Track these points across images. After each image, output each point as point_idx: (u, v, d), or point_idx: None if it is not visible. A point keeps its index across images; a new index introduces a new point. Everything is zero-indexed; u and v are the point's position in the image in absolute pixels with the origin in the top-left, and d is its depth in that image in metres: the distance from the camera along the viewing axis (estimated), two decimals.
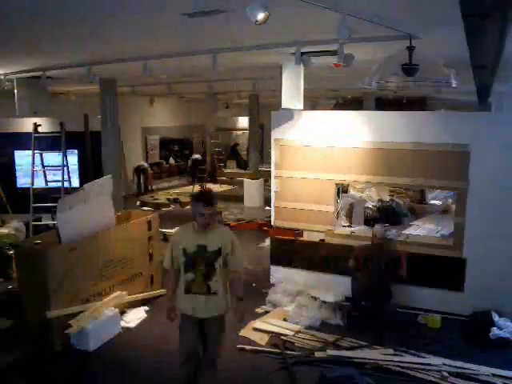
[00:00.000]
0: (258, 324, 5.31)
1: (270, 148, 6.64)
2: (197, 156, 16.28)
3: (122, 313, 5.54)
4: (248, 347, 4.84)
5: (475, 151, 5.41)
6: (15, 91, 8.07)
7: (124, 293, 5.56)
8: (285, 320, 5.45)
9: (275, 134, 6.50)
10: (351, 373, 4.06)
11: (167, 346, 4.91)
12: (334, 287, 6.15)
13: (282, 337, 5.06)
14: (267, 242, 7.77)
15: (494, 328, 4.91)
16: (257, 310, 5.75)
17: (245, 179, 13.54)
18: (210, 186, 14.83)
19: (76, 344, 4.86)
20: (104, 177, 6.06)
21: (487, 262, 5.46)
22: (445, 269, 5.64)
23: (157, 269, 6.36)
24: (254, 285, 6.55)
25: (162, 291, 6.08)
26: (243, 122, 19.41)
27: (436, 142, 5.59)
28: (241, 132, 20.37)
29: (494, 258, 5.44)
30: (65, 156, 8.21)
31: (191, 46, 5.63)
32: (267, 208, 10.45)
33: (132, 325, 5.43)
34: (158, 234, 6.72)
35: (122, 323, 5.39)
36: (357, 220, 6.97)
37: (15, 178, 10.41)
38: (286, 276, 6.49)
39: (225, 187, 15.63)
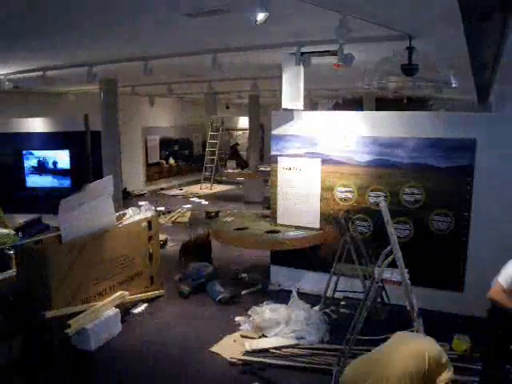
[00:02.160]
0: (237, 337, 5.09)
1: (270, 148, 6.64)
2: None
3: (127, 310, 5.59)
4: (239, 361, 4.59)
5: (476, 151, 5.41)
6: None
7: (126, 293, 5.57)
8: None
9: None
10: None
11: (167, 344, 4.97)
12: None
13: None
14: None
15: None
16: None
17: (245, 179, 13.60)
18: (210, 186, 14.94)
19: (77, 344, 4.87)
20: (105, 177, 6.07)
21: (488, 262, 5.46)
22: (444, 268, 5.65)
23: (157, 269, 6.37)
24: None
25: (162, 292, 6.10)
26: (243, 121, 19.42)
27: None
28: (241, 132, 20.37)
29: (494, 258, 5.43)
30: None
31: (191, 46, 5.64)
32: (267, 208, 10.45)
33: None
34: (158, 234, 6.73)
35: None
36: None
37: (24, 177, 10.43)
38: (287, 276, 6.54)
39: (225, 187, 15.64)
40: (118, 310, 5.30)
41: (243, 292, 6.28)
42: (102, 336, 4.97)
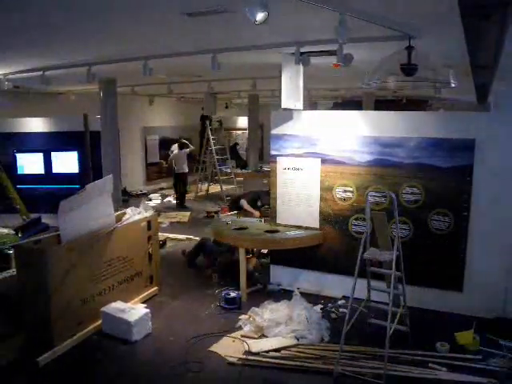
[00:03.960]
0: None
1: (270, 148, 6.65)
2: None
3: None
4: (238, 361, 4.60)
5: (476, 151, 5.41)
6: None
7: None
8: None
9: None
10: None
11: (166, 343, 5.02)
12: (334, 287, 6.20)
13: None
14: None
15: None
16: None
17: (245, 179, 13.61)
18: (210, 186, 14.91)
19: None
20: (105, 177, 6.06)
21: (487, 262, 5.47)
22: (444, 268, 5.66)
23: (156, 268, 6.38)
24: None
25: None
26: (243, 121, 19.41)
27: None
28: (241, 132, 20.36)
29: (494, 258, 5.45)
30: None
31: (191, 46, 5.64)
32: (266, 207, 10.45)
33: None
34: (158, 233, 6.74)
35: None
36: None
37: (16, 177, 10.39)
38: (287, 275, 6.54)
39: (224, 187, 15.61)
40: (148, 310, 5.36)
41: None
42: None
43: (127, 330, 4.99)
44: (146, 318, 5.19)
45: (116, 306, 5.26)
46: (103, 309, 5.20)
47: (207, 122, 14.22)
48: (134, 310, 5.23)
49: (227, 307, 5.79)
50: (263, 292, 6.35)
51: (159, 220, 8.29)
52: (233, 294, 5.86)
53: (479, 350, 4.69)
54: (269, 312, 5.23)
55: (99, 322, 5.23)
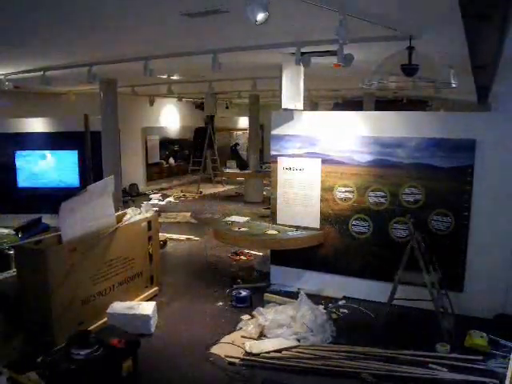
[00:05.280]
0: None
1: (271, 148, 6.65)
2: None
3: None
4: (239, 361, 4.60)
5: (477, 151, 5.41)
6: None
7: None
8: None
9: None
10: None
11: (167, 343, 5.03)
12: (334, 287, 6.20)
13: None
14: None
15: None
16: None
17: (245, 179, 13.61)
18: (211, 187, 14.94)
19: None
20: (106, 178, 6.06)
21: (487, 262, 5.46)
22: (444, 268, 5.65)
23: (156, 269, 6.38)
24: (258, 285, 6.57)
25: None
26: (243, 121, 19.42)
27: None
28: (241, 132, 20.36)
29: (494, 258, 5.45)
30: None
31: (191, 46, 5.64)
32: (267, 208, 10.46)
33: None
34: (158, 234, 6.74)
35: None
36: None
37: (16, 178, 10.38)
38: (287, 276, 6.54)
39: (225, 187, 15.66)
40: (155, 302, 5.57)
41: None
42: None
43: (144, 324, 5.12)
44: (155, 310, 5.41)
45: (121, 305, 5.31)
46: (109, 310, 5.20)
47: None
48: (141, 305, 5.38)
49: (239, 306, 5.89)
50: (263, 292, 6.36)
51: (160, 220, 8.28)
52: (244, 293, 5.97)
53: (488, 352, 4.66)
54: (273, 313, 5.22)
55: (100, 322, 5.22)
